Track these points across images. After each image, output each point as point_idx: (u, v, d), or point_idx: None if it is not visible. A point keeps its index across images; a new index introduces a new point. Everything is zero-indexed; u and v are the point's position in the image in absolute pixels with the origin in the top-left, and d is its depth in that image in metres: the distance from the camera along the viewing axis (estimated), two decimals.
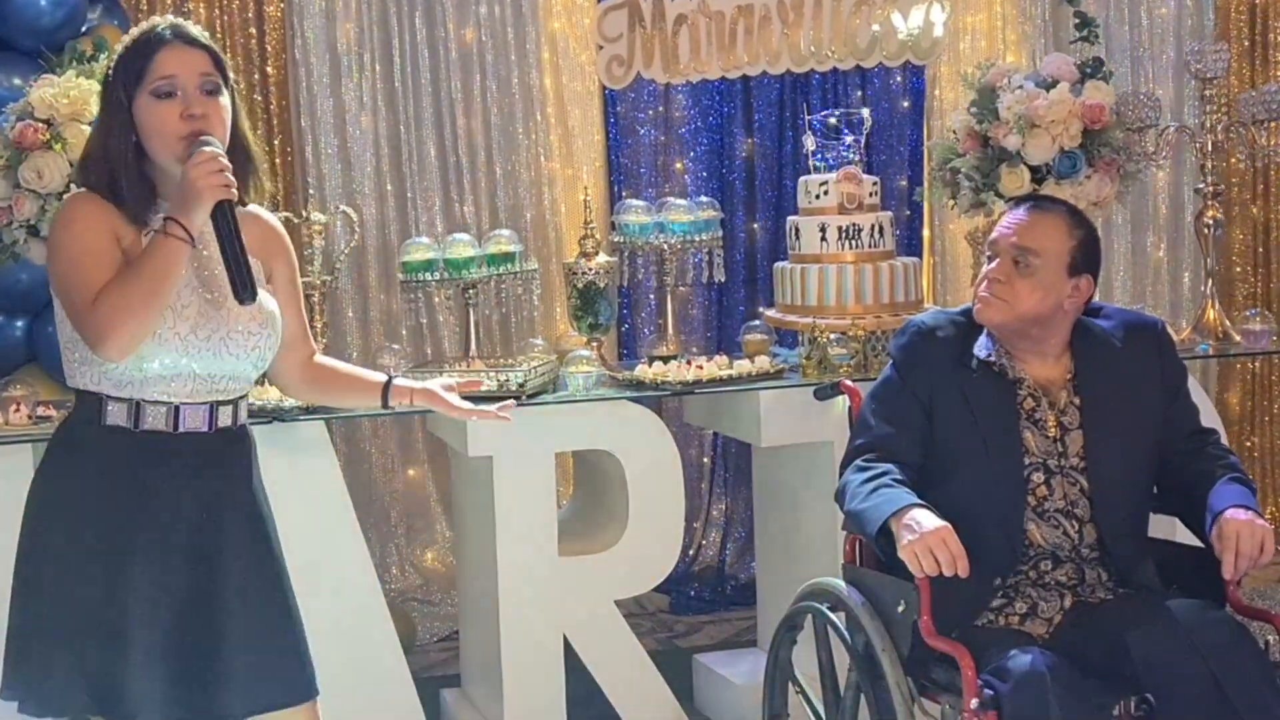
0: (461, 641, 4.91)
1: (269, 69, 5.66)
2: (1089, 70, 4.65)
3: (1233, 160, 6.03)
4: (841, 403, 3.71)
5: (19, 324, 5.03)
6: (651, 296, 5.94)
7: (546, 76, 5.89)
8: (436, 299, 5.10)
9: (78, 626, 2.75)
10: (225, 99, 2.81)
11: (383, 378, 3.11)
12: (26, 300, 4.90)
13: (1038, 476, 3.18)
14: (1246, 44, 6.37)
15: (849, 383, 3.62)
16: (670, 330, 4.82)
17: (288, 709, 2.90)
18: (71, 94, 4.02)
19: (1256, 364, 6.44)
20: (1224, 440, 3.44)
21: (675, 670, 4.66)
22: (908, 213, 6.14)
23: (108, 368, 2.75)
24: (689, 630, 5.66)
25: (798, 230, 4.68)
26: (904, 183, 6.17)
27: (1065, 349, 3.27)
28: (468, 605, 4.75)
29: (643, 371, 4.38)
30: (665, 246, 4.67)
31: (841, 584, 3.33)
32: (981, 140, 4.63)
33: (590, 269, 4.61)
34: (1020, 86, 4.57)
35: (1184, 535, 3.33)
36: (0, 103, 4.31)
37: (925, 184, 5.61)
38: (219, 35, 5.54)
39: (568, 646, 4.32)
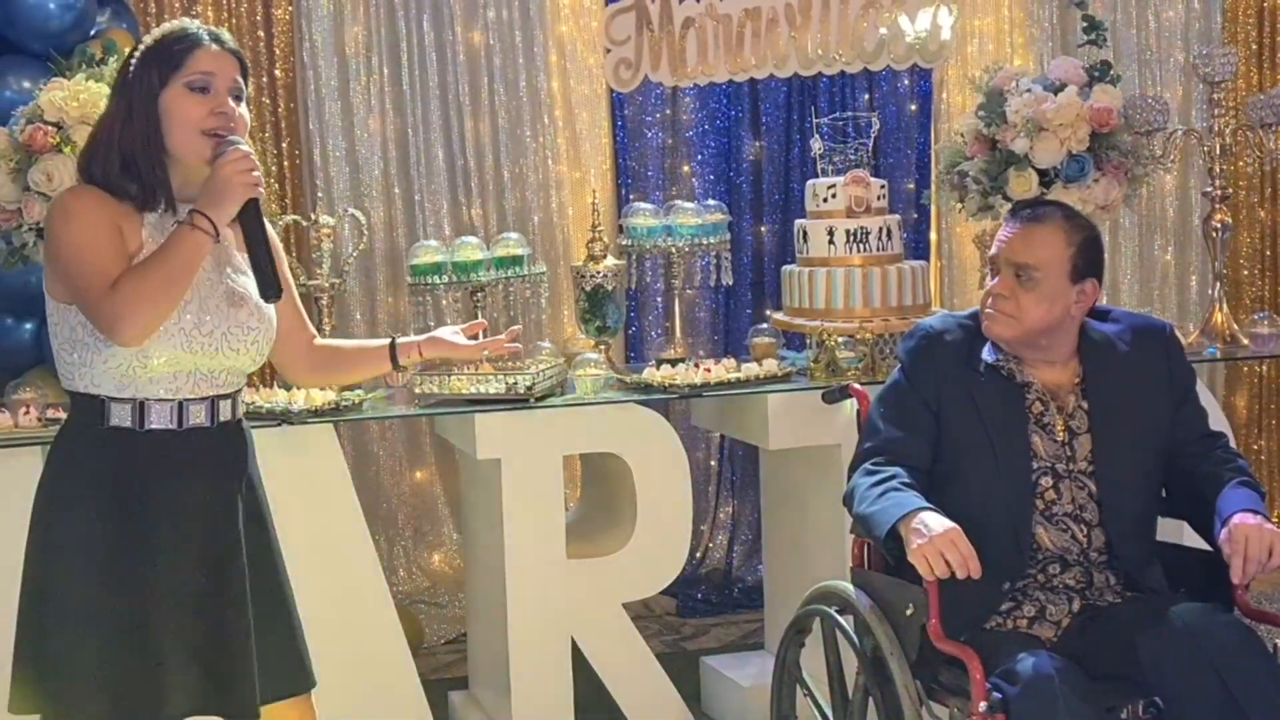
0: (469, 643, 4.91)
1: (277, 72, 5.66)
2: (1097, 74, 4.65)
3: (1241, 164, 6.03)
4: (849, 406, 3.71)
5: (27, 326, 5.03)
6: (659, 299, 5.95)
7: (554, 80, 5.90)
8: (444, 302, 5.09)
9: (100, 633, 2.75)
10: (245, 108, 2.87)
11: (386, 340, 3.16)
12: (35, 303, 4.87)
13: (1046, 480, 3.18)
14: (1254, 47, 6.36)
15: (857, 386, 3.62)
16: (678, 333, 4.83)
17: (290, 699, 2.94)
18: (81, 97, 4.03)
19: (1264, 367, 6.44)
20: (1232, 444, 3.43)
21: (682, 672, 4.66)
22: (915, 216, 6.14)
23: (110, 367, 2.75)
24: (696, 633, 5.67)
25: (805, 233, 4.68)
26: (911, 186, 6.17)
27: (1073, 353, 3.27)
28: (475, 607, 4.76)
29: (650, 374, 4.38)
30: (673, 249, 4.67)
31: (850, 587, 3.33)
32: (989, 143, 4.63)
33: (598, 272, 4.61)
34: (1028, 90, 4.57)
35: (1192, 539, 3.32)
36: (10, 106, 4.33)
37: (933, 187, 5.59)
38: None
39: (575, 649, 4.32)
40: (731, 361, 4.49)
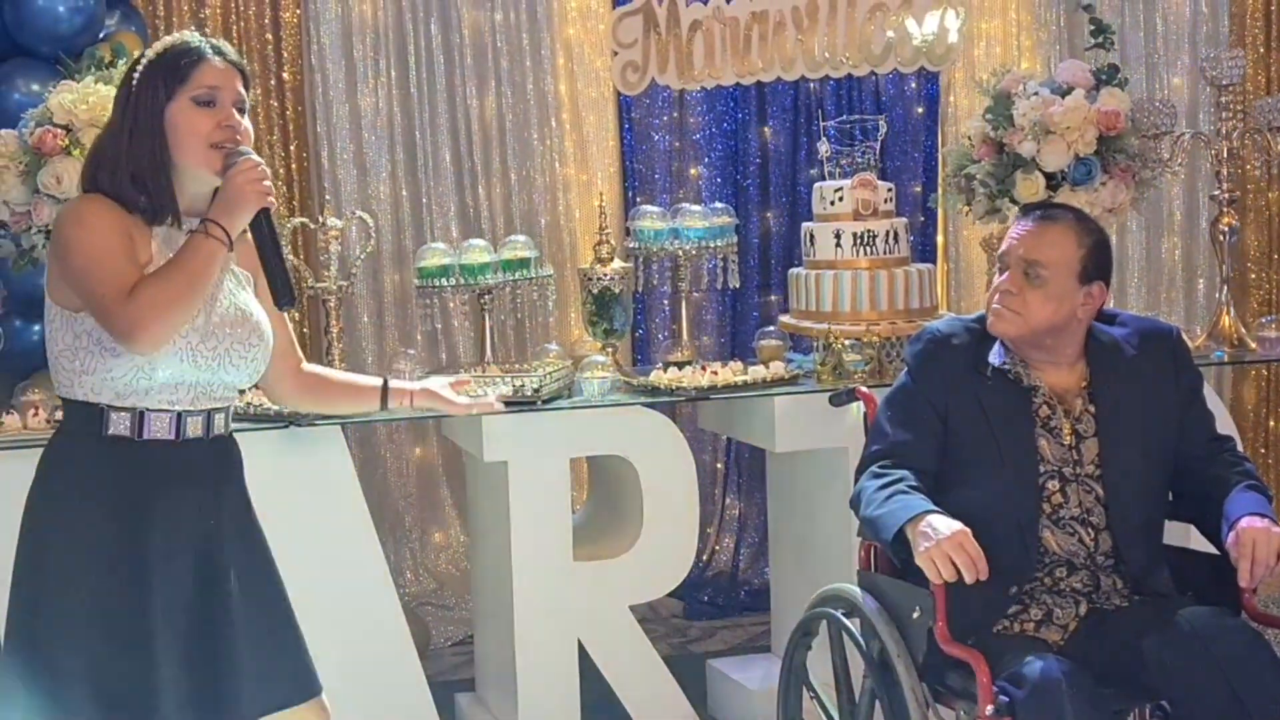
0: (476, 646, 4.92)
1: (285, 75, 5.67)
2: (1104, 77, 4.65)
3: (1248, 167, 6.02)
4: (856, 409, 3.72)
5: (35, 328, 5.04)
6: (666, 302, 5.95)
7: (561, 82, 5.91)
8: (452, 304, 5.10)
9: (93, 643, 2.74)
10: (248, 120, 2.87)
11: (379, 381, 3.15)
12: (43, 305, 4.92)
13: (1053, 484, 3.18)
14: (1262, 50, 6.35)
15: (864, 389, 3.62)
16: (685, 336, 4.83)
17: (298, 706, 2.93)
18: (90, 100, 4.04)
19: (1272, 371, 6.43)
20: (1239, 447, 3.44)
21: (689, 675, 4.66)
22: (922, 219, 6.14)
23: (114, 376, 2.75)
24: (702, 635, 5.67)
25: (812, 236, 4.68)
26: (918, 189, 6.17)
27: (1080, 356, 3.27)
28: (482, 610, 4.76)
29: (657, 377, 4.39)
30: (680, 252, 4.68)
31: (856, 590, 3.33)
32: (996, 146, 4.63)
33: (605, 275, 4.62)
34: (1035, 93, 4.57)
35: (1199, 542, 3.32)
36: (19, 109, 4.34)
37: (940, 190, 5.61)
38: (235, 41, 5.56)
39: (582, 651, 4.33)
40: (738, 364, 4.49)
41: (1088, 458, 3.19)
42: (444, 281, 4.45)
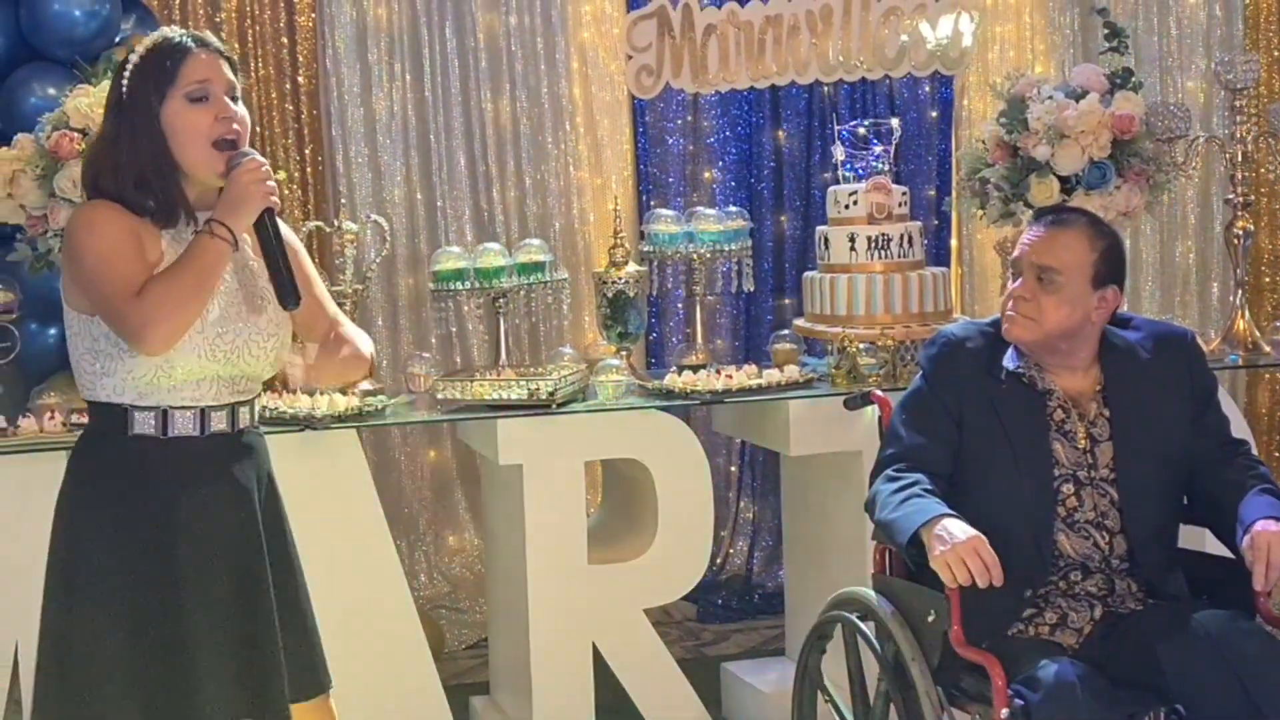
0: (490, 649, 4.92)
1: (300, 79, 5.69)
2: (1118, 81, 4.64)
3: (1263, 170, 6.01)
4: (871, 412, 3.72)
5: (52, 332, 5.06)
6: (680, 306, 5.96)
7: (576, 86, 5.91)
8: (466, 308, 5.12)
9: (129, 645, 2.76)
10: (242, 105, 2.87)
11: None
12: (60, 308, 4.91)
13: (1068, 488, 3.18)
14: (1277, 54, 6.35)
15: (878, 392, 3.62)
16: (699, 339, 4.83)
17: (310, 701, 2.97)
18: None
19: None
20: (1254, 451, 3.43)
21: (703, 678, 4.67)
22: (936, 223, 6.14)
23: (134, 377, 2.77)
24: (716, 639, 5.67)
25: (827, 240, 4.69)
26: (932, 193, 6.17)
27: (1094, 360, 3.27)
28: (497, 613, 4.77)
29: (672, 380, 4.39)
30: (694, 256, 4.68)
31: (871, 593, 3.33)
32: (1010, 150, 4.62)
33: (619, 278, 4.62)
34: (1050, 97, 4.57)
35: (1214, 546, 3.32)
36: (36, 112, 4.36)
37: (954, 194, 5.61)
38: (250, 45, 5.59)
39: (596, 654, 4.33)
40: (753, 368, 4.49)
41: (1102, 461, 3.19)
42: (459, 285, 4.46)
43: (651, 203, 5.89)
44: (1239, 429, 3.62)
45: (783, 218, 6.15)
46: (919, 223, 4.76)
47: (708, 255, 4.68)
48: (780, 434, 4.45)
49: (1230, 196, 4.89)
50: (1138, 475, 3.19)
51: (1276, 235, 6.44)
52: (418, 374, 4.48)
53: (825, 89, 5.97)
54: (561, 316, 5.69)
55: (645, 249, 4.75)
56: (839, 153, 4.79)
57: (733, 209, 4.87)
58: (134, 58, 2.84)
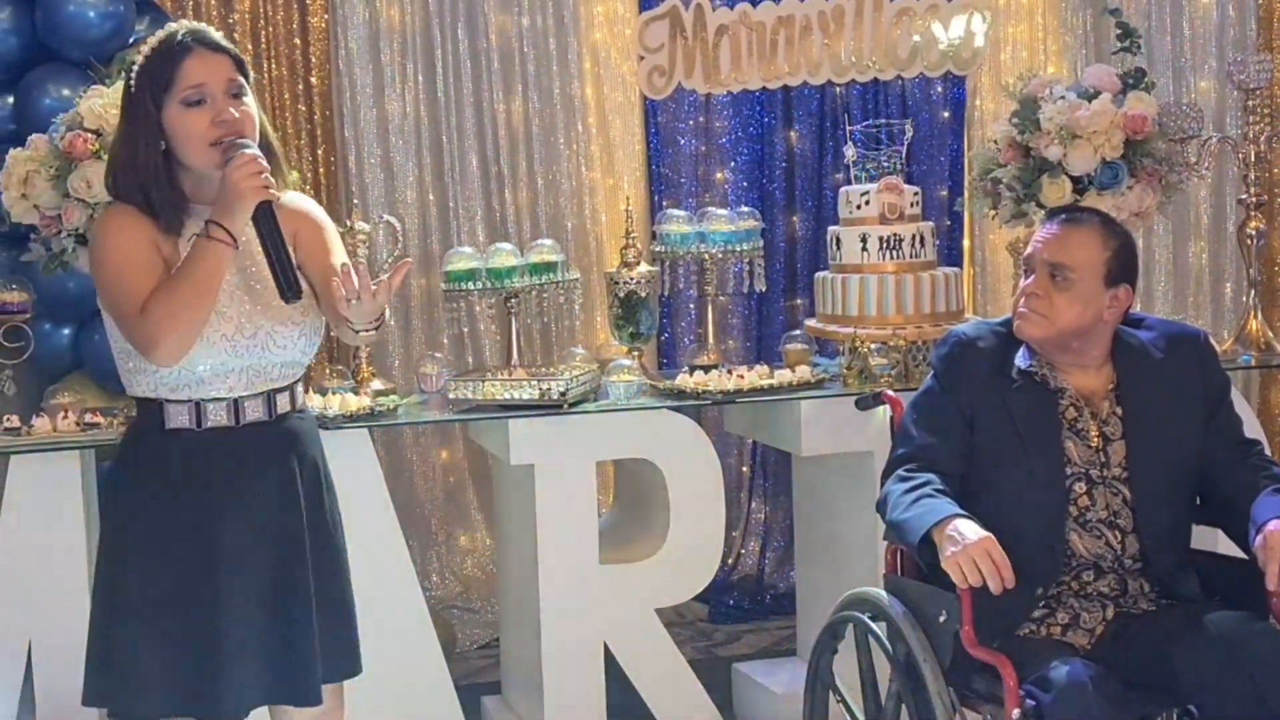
0: (502, 648, 4.93)
1: (313, 80, 5.69)
2: (1131, 81, 4.64)
3: (1275, 171, 6.01)
4: (882, 413, 3.72)
5: (65, 331, 5.08)
6: (692, 306, 5.96)
7: (588, 87, 5.92)
8: (478, 308, 5.13)
9: (169, 629, 2.82)
10: (250, 100, 2.86)
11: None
12: (74, 308, 4.95)
13: (1080, 487, 3.17)
14: None
15: (890, 393, 3.62)
16: (711, 339, 4.83)
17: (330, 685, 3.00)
18: (120, 104, 4.05)
19: None
20: (1267, 451, 3.42)
21: (715, 679, 4.67)
22: (948, 223, 6.13)
23: (163, 373, 2.81)
24: (728, 639, 5.67)
25: (839, 240, 4.69)
26: (945, 193, 6.16)
27: (1107, 359, 3.27)
28: (508, 612, 4.77)
29: (683, 380, 4.39)
30: (706, 256, 4.68)
31: (883, 594, 3.33)
32: (1023, 151, 4.62)
33: (631, 278, 4.62)
34: (1062, 97, 4.56)
35: (1227, 547, 3.32)
36: (50, 113, 4.37)
37: (966, 194, 5.59)
38: (263, 46, 5.60)
39: (608, 655, 4.33)
40: (764, 368, 4.49)
41: (1115, 460, 3.19)
42: (471, 285, 4.46)
43: (663, 203, 5.89)
44: (1252, 429, 3.61)
45: (795, 218, 6.15)
46: (931, 223, 4.76)
47: (719, 255, 4.68)
48: (792, 434, 4.45)
49: (1243, 196, 4.89)
50: (1150, 474, 3.18)
51: None
52: (430, 374, 4.48)
53: (837, 89, 5.96)
54: (573, 317, 5.69)
55: (657, 249, 4.76)
56: (851, 153, 4.79)
57: (744, 209, 4.87)
58: (138, 58, 2.86)
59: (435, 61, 5.80)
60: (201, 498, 2.85)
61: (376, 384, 4.44)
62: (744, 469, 6.16)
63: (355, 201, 5.63)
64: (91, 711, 3.98)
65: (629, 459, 4.53)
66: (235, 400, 2.86)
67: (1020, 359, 3.26)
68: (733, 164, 6.12)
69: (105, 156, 3.98)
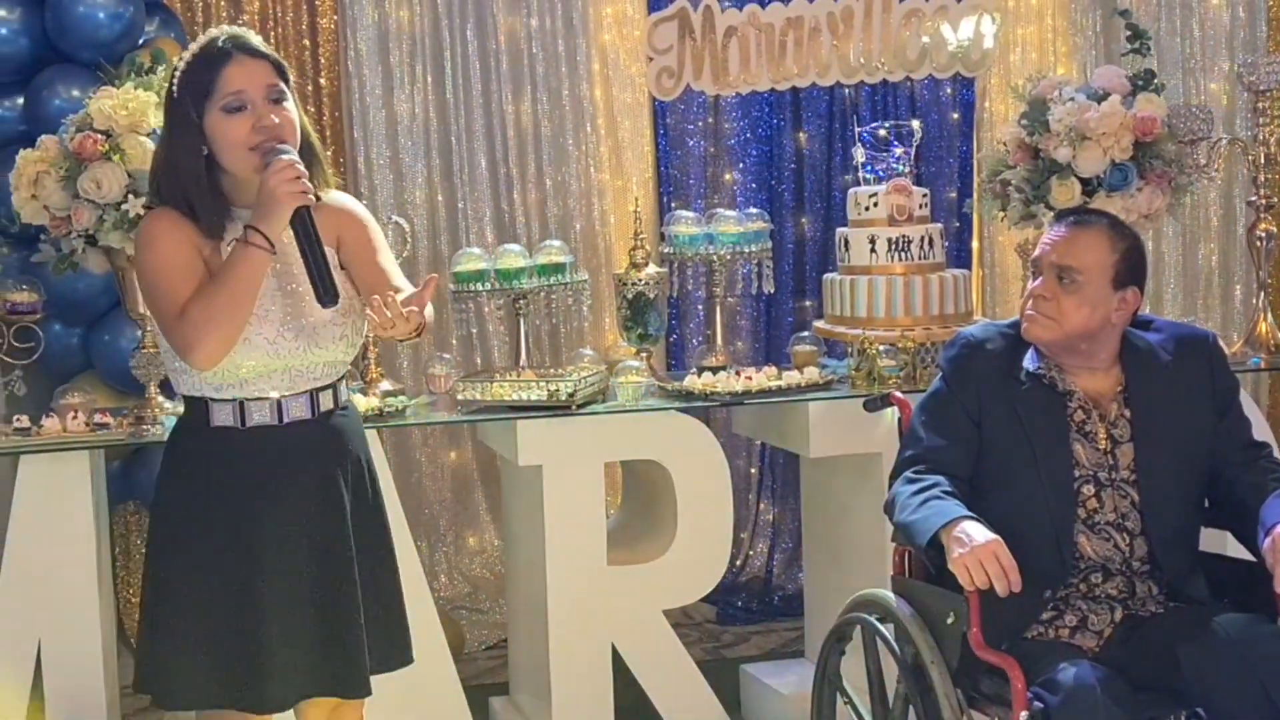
0: (510, 649, 4.93)
1: (322, 81, 5.71)
2: (1140, 82, 4.63)
3: None
4: (891, 414, 3.72)
5: (76, 332, 5.09)
6: (700, 307, 5.95)
7: (597, 88, 5.92)
8: (487, 309, 5.13)
9: (213, 622, 2.86)
10: (290, 104, 2.89)
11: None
12: (84, 309, 4.96)
13: (1088, 489, 3.17)
14: None
15: (898, 394, 3.62)
16: (719, 341, 4.83)
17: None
18: (130, 105, 4.07)
19: None
20: (1276, 454, 3.42)
21: (723, 680, 4.67)
22: (957, 224, 6.13)
23: (206, 374, 2.85)
24: (736, 640, 5.67)
25: (847, 242, 4.69)
26: (953, 194, 6.16)
27: (1115, 361, 3.26)
28: (516, 613, 4.78)
29: (692, 382, 4.39)
30: (714, 257, 4.68)
31: (890, 595, 3.33)
32: (1032, 152, 4.62)
33: (640, 280, 4.63)
34: (1071, 99, 4.56)
35: (1235, 549, 3.31)
36: (60, 114, 4.37)
37: (975, 196, 5.60)
38: (273, 47, 5.57)
39: (616, 655, 4.33)
40: (773, 369, 4.50)
41: (1123, 463, 3.19)
42: (479, 286, 4.47)
43: (672, 204, 5.89)
44: (1261, 432, 3.61)
45: (803, 219, 6.15)
46: (939, 225, 4.75)
47: (728, 257, 4.68)
48: (800, 436, 4.45)
49: (1253, 199, 4.88)
50: (1159, 477, 3.18)
51: None
52: (438, 375, 4.49)
53: (846, 91, 5.96)
54: (582, 318, 5.67)
55: (665, 250, 4.76)
56: (859, 154, 4.79)
57: (753, 211, 4.87)
58: (180, 64, 2.89)
59: (444, 63, 5.80)
60: (245, 494, 2.89)
61: (385, 385, 4.45)
62: (752, 470, 6.17)
63: (364, 203, 5.63)
64: (101, 711, 4.04)
65: (637, 460, 4.53)
66: (279, 400, 2.90)
67: (1028, 361, 3.25)
68: (741, 165, 6.12)
69: (115, 158, 4.00)
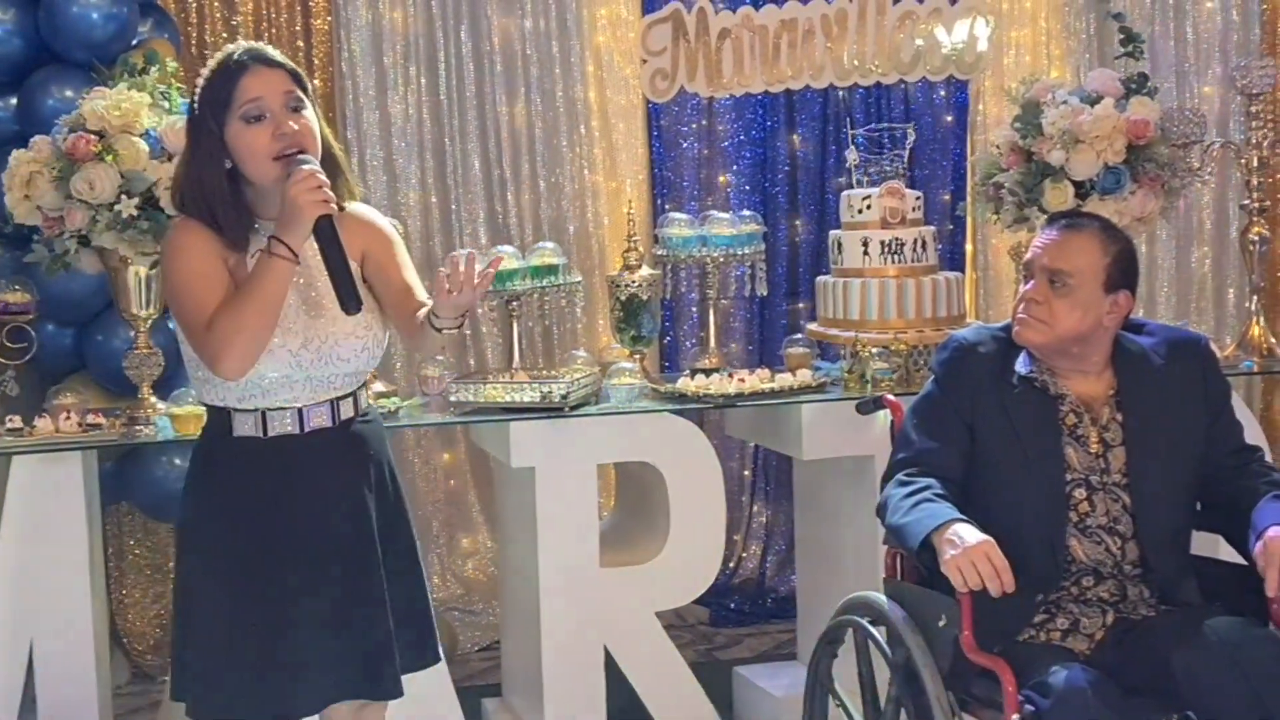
0: (502, 651, 4.93)
1: (316, 82, 5.68)
2: (1134, 86, 4.64)
3: (1278, 176, 6.00)
4: (883, 417, 3.72)
5: (69, 333, 5.08)
6: (694, 309, 5.96)
7: (591, 90, 5.92)
8: (480, 310, 5.13)
9: (240, 632, 2.88)
10: (309, 112, 2.91)
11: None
12: (77, 310, 4.96)
13: (1080, 492, 3.17)
14: None
15: (891, 397, 3.62)
16: (712, 343, 4.84)
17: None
18: (123, 106, 4.07)
19: None
20: (1269, 457, 3.42)
21: (715, 682, 4.67)
22: (950, 227, 6.14)
23: (230, 383, 2.86)
24: (728, 642, 5.67)
25: (840, 244, 4.69)
26: (947, 197, 6.16)
27: (1107, 365, 3.27)
28: (509, 615, 4.78)
29: (685, 384, 4.39)
30: (708, 259, 4.68)
31: (883, 598, 3.33)
32: (1025, 155, 4.63)
33: (633, 282, 4.63)
34: (1065, 102, 4.57)
35: (1227, 553, 3.31)
36: (53, 115, 4.37)
37: (968, 199, 5.60)
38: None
39: (608, 657, 4.33)
40: (766, 372, 4.50)
41: (1115, 466, 3.19)
42: None
43: (666, 206, 5.90)
44: (1253, 435, 3.61)
45: (797, 222, 6.16)
46: (933, 227, 4.76)
47: (721, 259, 4.69)
48: (793, 438, 4.45)
49: (1246, 202, 4.89)
50: (1150, 480, 3.18)
51: None
52: (431, 376, 4.49)
53: (840, 93, 5.97)
54: (575, 319, 5.70)
55: (659, 252, 4.76)
56: (853, 157, 4.79)
57: (746, 213, 4.88)
58: (201, 79, 2.92)
59: (438, 64, 5.80)
60: (269, 503, 2.91)
61: (378, 386, 4.45)
62: (745, 472, 6.17)
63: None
64: (93, 712, 4.04)
65: (630, 462, 4.54)
66: (300, 409, 2.93)
67: (1020, 364, 3.26)
68: (735, 167, 6.12)
69: (108, 159, 4.00)
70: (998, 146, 4.75)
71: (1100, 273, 3.19)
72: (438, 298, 2.82)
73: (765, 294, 4.95)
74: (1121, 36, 4.82)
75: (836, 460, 4.45)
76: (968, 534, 2.97)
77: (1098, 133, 4.48)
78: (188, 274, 2.85)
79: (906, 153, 4.82)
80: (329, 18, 5.71)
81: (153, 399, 4.25)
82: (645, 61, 4.80)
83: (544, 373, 4.53)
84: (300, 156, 2.82)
